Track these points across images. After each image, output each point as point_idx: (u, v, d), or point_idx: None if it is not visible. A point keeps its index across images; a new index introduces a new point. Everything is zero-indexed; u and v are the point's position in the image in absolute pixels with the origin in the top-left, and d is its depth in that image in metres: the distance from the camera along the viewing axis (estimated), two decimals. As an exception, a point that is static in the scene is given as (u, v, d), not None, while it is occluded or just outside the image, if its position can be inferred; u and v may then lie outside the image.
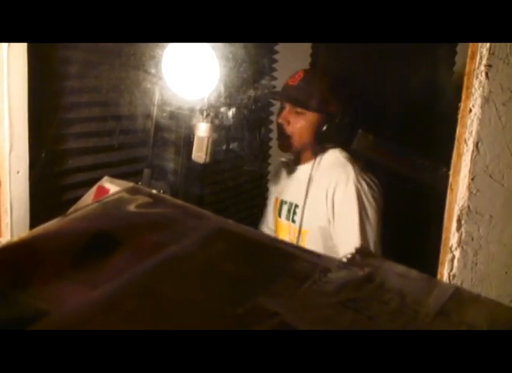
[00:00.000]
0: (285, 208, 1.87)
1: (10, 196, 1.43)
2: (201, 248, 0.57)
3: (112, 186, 0.64)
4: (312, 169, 1.77)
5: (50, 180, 1.62)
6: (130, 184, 0.64)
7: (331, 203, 1.71)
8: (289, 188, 1.87)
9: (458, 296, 0.52)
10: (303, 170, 1.81)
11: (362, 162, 1.76)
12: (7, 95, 1.39)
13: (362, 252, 0.58)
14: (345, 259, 0.59)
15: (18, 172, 1.44)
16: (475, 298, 0.51)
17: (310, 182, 1.77)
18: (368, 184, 1.70)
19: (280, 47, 2.30)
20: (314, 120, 1.75)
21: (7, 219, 1.45)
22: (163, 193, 1.74)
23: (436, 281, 0.54)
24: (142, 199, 0.63)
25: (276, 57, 2.24)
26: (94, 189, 0.65)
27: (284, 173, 1.93)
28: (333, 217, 1.71)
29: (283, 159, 1.92)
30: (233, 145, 1.59)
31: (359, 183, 1.69)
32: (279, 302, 0.51)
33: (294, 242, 1.78)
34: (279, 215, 1.90)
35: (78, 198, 1.77)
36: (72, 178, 1.71)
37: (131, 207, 0.60)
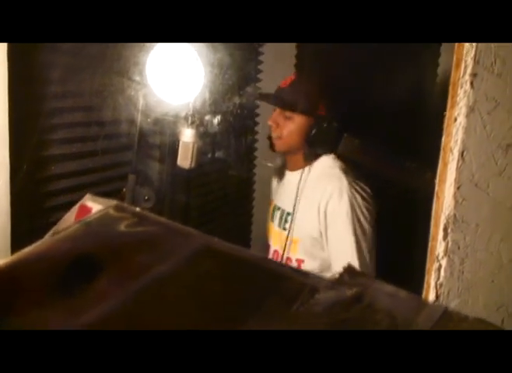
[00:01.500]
0: (277, 214, 1.86)
1: (-9, 204, 1.41)
2: (187, 268, 0.56)
3: (94, 205, 0.62)
4: (303, 177, 1.75)
5: (33, 187, 1.60)
6: (113, 202, 0.63)
7: (324, 216, 1.69)
8: (282, 193, 1.87)
9: (447, 317, 0.52)
10: (295, 177, 1.79)
11: (351, 168, 1.75)
12: (-13, 101, 1.36)
13: (350, 271, 0.58)
14: (333, 279, 0.58)
15: (-1, 180, 1.42)
16: (463, 318, 0.51)
17: (301, 190, 1.75)
18: (361, 196, 1.68)
19: (266, 48, 2.30)
20: (303, 124, 1.74)
21: (-12, 228, 1.42)
22: (148, 199, 1.73)
23: (425, 302, 0.54)
24: (125, 217, 0.61)
25: (261, 58, 2.23)
26: (76, 208, 0.64)
27: (281, 178, 1.92)
28: (325, 230, 1.69)
29: (269, 164, 1.91)
30: (219, 152, 1.58)
31: (353, 194, 1.67)
32: (269, 324, 0.50)
33: (285, 249, 1.79)
34: (272, 220, 1.89)
35: (61, 205, 1.76)
36: (55, 184, 1.69)
37: (115, 227, 0.59)
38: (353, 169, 1.75)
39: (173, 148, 1.72)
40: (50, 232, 0.60)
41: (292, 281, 0.58)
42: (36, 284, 0.48)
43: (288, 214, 1.80)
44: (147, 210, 1.80)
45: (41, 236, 0.73)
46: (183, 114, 1.66)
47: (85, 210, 0.62)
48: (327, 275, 1.61)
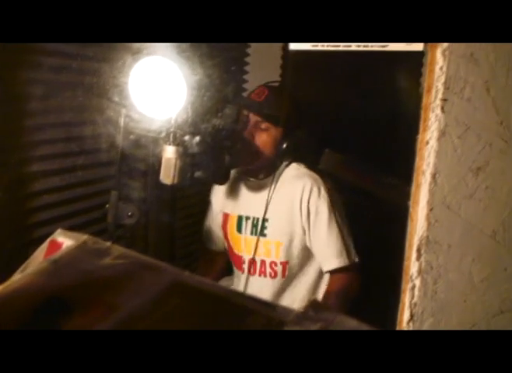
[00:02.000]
0: (248, 223, 1.88)
1: (-28, 223, 1.41)
2: (155, 307, 0.57)
3: (66, 240, 0.63)
4: (276, 183, 1.81)
5: (13, 205, 1.60)
6: (84, 237, 0.64)
7: (307, 212, 1.77)
8: (250, 203, 1.88)
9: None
10: (266, 184, 1.84)
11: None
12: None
13: (315, 305, 0.59)
14: (299, 312, 0.59)
15: (-20, 199, 1.42)
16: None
17: (274, 195, 1.81)
18: (334, 191, 1.80)
19: (250, 59, 2.33)
20: (278, 136, 1.80)
21: (-31, 247, 1.42)
22: (132, 215, 1.73)
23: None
24: (96, 253, 0.62)
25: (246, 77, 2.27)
26: (46, 244, 0.64)
27: (237, 188, 1.93)
28: (308, 226, 1.78)
29: (252, 179, 1.92)
30: (198, 172, 1.59)
31: (329, 190, 1.78)
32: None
33: (269, 255, 1.84)
34: (238, 231, 1.90)
35: (44, 221, 1.77)
36: (38, 201, 1.69)
37: (84, 264, 0.60)
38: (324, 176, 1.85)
39: (155, 164, 1.72)
40: (20, 269, 0.61)
41: (259, 316, 0.59)
42: (6, 327, 0.49)
43: (265, 220, 1.83)
44: (130, 226, 1.80)
45: (25, 253, 0.73)
46: (165, 130, 1.66)
47: (56, 245, 0.63)
48: (309, 270, 1.65)
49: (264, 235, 1.83)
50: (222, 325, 0.58)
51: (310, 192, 1.76)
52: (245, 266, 1.89)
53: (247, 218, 1.88)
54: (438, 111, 0.96)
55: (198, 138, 1.49)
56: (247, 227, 1.88)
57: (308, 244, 1.81)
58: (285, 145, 1.79)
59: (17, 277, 0.56)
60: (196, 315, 0.58)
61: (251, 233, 1.87)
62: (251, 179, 1.90)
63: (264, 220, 1.83)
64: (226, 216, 1.95)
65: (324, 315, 0.59)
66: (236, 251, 1.93)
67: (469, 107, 0.96)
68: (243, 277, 1.90)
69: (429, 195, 0.99)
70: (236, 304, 0.61)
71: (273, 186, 1.81)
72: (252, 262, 1.86)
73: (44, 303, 0.53)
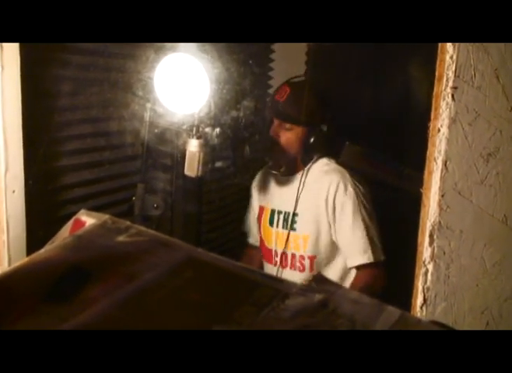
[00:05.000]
0: (280, 217, 1.93)
1: (6, 215, 1.48)
2: (169, 278, 0.62)
3: (88, 219, 0.68)
4: (305, 178, 1.85)
5: (46, 197, 1.67)
6: (106, 216, 0.69)
7: (332, 207, 1.80)
8: (282, 198, 1.93)
9: (403, 321, 0.56)
10: (296, 180, 1.88)
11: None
12: (1, 117, 1.43)
13: (318, 278, 0.63)
14: (303, 285, 0.63)
15: (13, 192, 1.48)
16: (417, 322, 0.56)
17: (303, 190, 1.85)
18: (363, 186, 1.82)
19: (275, 63, 2.37)
20: (303, 133, 1.84)
21: (4, 237, 1.49)
22: (157, 207, 1.79)
23: (384, 307, 0.59)
24: (115, 230, 0.67)
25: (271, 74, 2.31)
26: (71, 222, 0.69)
27: (272, 183, 1.98)
28: (334, 220, 1.81)
29: (274, 171, 1.96)
30: (222, 163, 1.65)
31: (356, 186, 1.80)
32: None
33: (298, 248, 1.88)
34: (271, 224, 1.95)
35: (73, 213, 1.83)
36: (67, 194, 1.75)
37: (105, 240, 0.64)
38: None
39: (180, 157, 1.78)
40: (48, 244, 0.66)
41: (266, 288, 0.63)
42: (29, 293, 0.54)
43: (295, 214, 1.87)
44: (156, 217, 1.85)
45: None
46: (189, 124, 1.71)
47: (80, 224, 0.68)
48: (336, 265, 1.68)
49: (294, 229, 1.88)
50: (230, 297, 0.62)
51: (337, 188, 1.79)
52: (277, 260, 1.94)
53: (279, 213, 1.93)
54: (449, 99, 0.99)
55: (219, 130, 1.54)
56: (279, 221, 1.93)
57: (334, 238, 1.84)
58: (311, 141, 1.82)
59: (43, 250, 0.61)
60: (207, 287, 0.63)
61: (282, 227, 1.92)
62: (281, 175, 1.94)
63: (294, 214, 1.87)
64: (261, 209, 2.01)
65: (326, 287, 0.62)
66: (266, 244, 1.98)
67: (479, 95, 0.98)
68: (275, 270, 1.94)
69: (440, 181, 1.01)
70: (247, 277, 0.65)
71: (302, 182, 1.85)
72: (284, 255, 1.90)
73: (67, 272, 0.58)
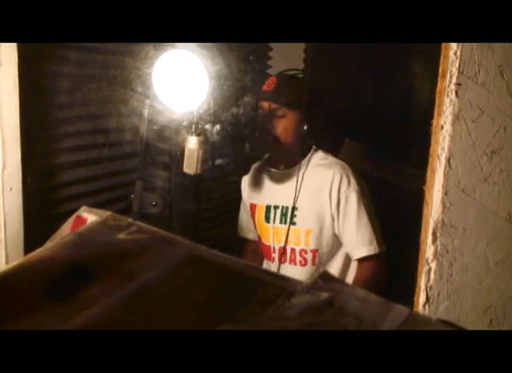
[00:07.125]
0: (277, 213, 1.91)
1: (3, 212, 1.47)
2: (171, 276, 0.61)
3: (90, 216, 0.67)
4: (303, 171, 1.84)
5: (43, 195, 1.66)
6: (107, 213, 0.68)
7: (337, 200, 1.80)
8: (279, 193, 1.91)
9: (412, 320, 0.55)
10: (293, 174, 1.87)
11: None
12: (-1, 114, 1.41)
13: (324, 276, 0.62)
14: (309, 283, 0.62)
15: (11, 189, 1.47)
16: (427, 321, 0.55)
17: (302, 183, 1.84)
18: (362, 180, 1.83)
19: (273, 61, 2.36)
20: (294, 121, 1.83)
21: (1, 235, 1.48)
22: (156, 204, 1.78)
23: (392, 305, 0.58)
24: (117, 228, 0.66)
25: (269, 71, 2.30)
26: (72, 219, 0.68)
27: (265, 179, 1.97)
28: (338, 213, 1.81)
29: (273, 169, 1.95)
30: (221, 160, 1.63)
31: (358, 179, 1.81)
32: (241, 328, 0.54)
33: (299, 242, 1.87)
34: (267, 221, 1.94)
35: (71, 211, 1.81)
36: (65, 191, 1.74)
37: (106, 237, 0.63)
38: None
39: (178, 154, 1.76)
40: (48, 241, 0.65)
41: (271, 286, 0.62)
42: (30, 291, 0.53)
43: (295, 208, 1.86)
44: (155, 215, 1.84)
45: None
46: (187, 121, 1.70)
47: (81, 220, 0.67)
48: (337, 258, 1.68)
49: (294, 224, 1.87)
50: (234, 296, 0.61)
51: (341, 181, 1.79)
52: (275, 255, 1.93)
53: (276, 207, 1.92)
54: (452, 95, 0.98)
55: (218, 127, 1.52)
56: (276, 216, 1.91)
57: (337, 232, 1.84)
58: (306, 128, 1.82)
59: (44, 247, 0.59)
60: (210, 285, 0.62)
61: (280, 222, 1.90)
62: (276, 169, 1.93)
63: (294, 208, 1.86)
64: (253, 206, 1.99)
65: (333, 284, 0.61)
66: (264, 241, 1.97)
67: (483, 91, 0.97)
68: (274, 265, 1.93)
69: (444, 179, 1.00)
70: (251, 275, 0.64)
71: (301, 175, 1.84)
72: (283, 250, 1.89)
73: (68, 270, 0.57)
